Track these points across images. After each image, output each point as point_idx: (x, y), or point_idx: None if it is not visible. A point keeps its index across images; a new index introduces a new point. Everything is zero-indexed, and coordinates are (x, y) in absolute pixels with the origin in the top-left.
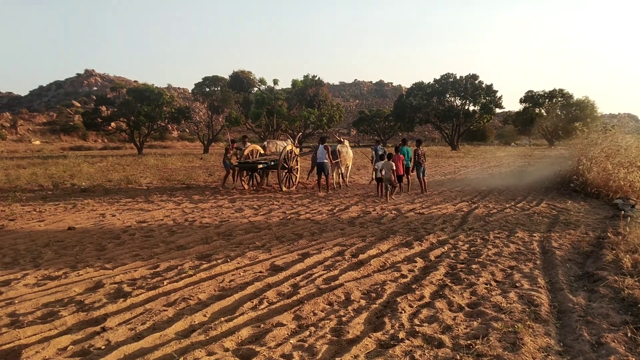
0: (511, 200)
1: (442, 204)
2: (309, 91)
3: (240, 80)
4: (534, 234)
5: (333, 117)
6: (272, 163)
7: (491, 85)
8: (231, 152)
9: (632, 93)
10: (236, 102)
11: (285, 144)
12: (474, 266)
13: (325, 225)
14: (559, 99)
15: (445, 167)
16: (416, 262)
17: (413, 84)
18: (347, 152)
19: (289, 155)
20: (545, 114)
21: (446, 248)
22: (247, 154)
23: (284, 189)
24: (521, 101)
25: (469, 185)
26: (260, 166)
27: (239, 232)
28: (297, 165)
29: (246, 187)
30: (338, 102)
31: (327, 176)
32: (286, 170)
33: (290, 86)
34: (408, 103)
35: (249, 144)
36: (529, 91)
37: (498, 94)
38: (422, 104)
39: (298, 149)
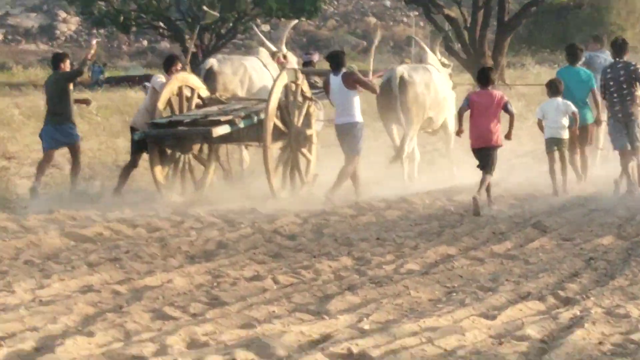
0: None
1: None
2: None
3: None
4: None
5: None
6: (255, 120)
7: None
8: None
9: None
10: None
11: (269, 65)
12: None
13: None
14: None
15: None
16: None
17: None
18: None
19: (294, 96)
20: None
21: None
22: (169, 98)
23: (282, 194)
24: None
25: (540, 211)
26: (220, 130)
27: None
28: (312, 130)
29: (162, 180)
30: None
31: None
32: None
33: None
34: None
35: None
36: None
37: None
38: None
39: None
